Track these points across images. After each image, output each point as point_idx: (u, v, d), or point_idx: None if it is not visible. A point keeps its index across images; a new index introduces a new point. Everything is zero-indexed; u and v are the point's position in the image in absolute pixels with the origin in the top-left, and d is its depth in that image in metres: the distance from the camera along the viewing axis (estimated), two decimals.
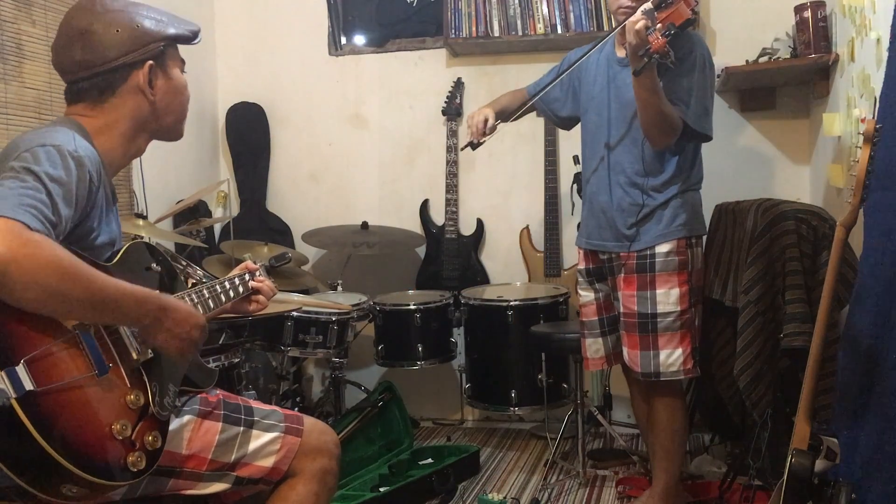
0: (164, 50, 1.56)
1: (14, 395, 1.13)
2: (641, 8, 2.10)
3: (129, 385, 1.33)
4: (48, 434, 1.15)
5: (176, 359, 1.44)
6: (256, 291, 1.80)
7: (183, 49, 1.63)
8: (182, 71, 1.63)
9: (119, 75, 1.50)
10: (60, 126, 1.45)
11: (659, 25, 2.04)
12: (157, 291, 1.41)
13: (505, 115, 2.63)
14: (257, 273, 1.82)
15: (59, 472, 1.16)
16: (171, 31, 1.57)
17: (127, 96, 1.52)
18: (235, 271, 1.79)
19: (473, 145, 2.62)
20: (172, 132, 1.65)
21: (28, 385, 1.15)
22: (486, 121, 2.59)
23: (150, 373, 1.39)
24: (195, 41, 1.63)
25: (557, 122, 2.81)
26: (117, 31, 1.49)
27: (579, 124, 2.68)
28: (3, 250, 1.12)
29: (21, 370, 1.15)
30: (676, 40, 2.10)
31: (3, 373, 1.13)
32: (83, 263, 1.23)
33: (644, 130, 2.34)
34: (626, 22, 2.14)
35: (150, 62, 1.53)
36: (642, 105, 2.26)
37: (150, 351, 1.40)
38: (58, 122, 1.51)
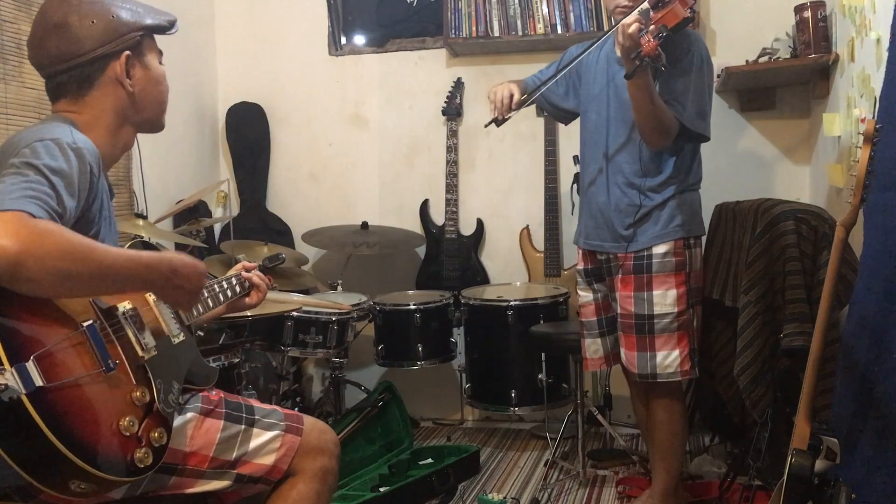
0: (140, 40, 1.56)
1: (24, 391, 1.13)
2: (637, 8, 2.09)
3: (134, 382, 1.34)
4: (57, 430, 1.15)
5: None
6: (252, 287, 1.83)
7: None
8: (160, 62, 1.63)
9: (96, 67, 1.50)
10: (55, 122, 1.46)
11: (652, 27, 2.02)
12: (162, 252, 1.41)
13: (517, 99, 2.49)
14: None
15: (68, 468, 1.16)
16: (148, 21, 1.57)
17: (106, 88, 1.52)
18: (231, 272, 1.81)
19: (498, 122, 2.45)
20: (154, 123, 1.64)
21: (38, 381, 1.15)
22: (511, 95, 2.44)
23: (154, 370, 1.40)
24: (171, 31, 1.63)
25: (554, 112, 2.77)
26: (93, 22, 1.49)
27: (578, 121, 2.67)
28: (13, 244, 1.11)
29: (31, 366, 1.15)
30: (670, 42, 2.09)
31: (12, 368, 1.13)
32: (90, 241, 1.22)
33: (639, 131, 2.33)
34: (620, 23, 2.12)
35: (127, 52, 1.53)
36: (636, 106, 2.25)
37: (154, 348, 1.41)
38: (50, 119, 1.51)
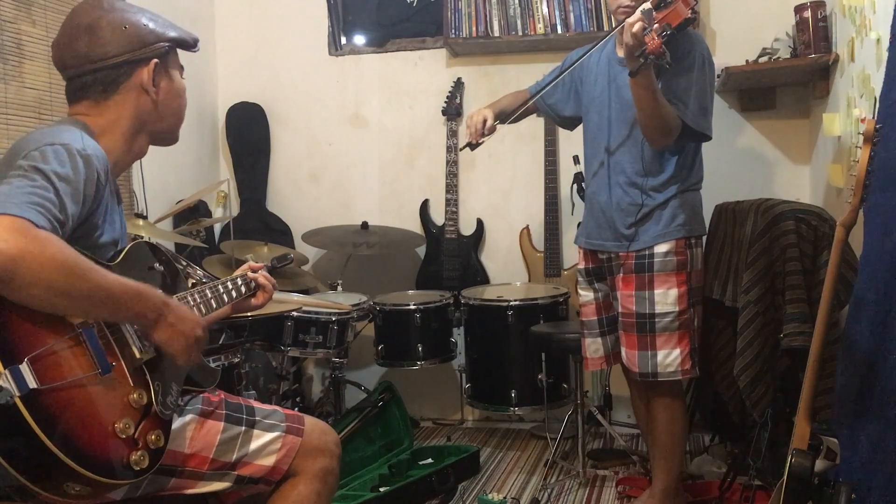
0: (168, 51, 1.58)
1: (18, 394, 1.13)
2: (640, 8, 2.10)
3: (132, 384, 1.33)
4: (52, 432, 1.15)
5: (182, 359, 1.42)
6: (258, 288, 1.81)
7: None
8: (181, 76, 1.65)
9: (124, 71, 1.52)
10: (66, 125, 1.46)
11: (656, 26, 2.03)
12: (158, 289, 1.41)
13: (504, 115, 2.62)
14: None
15: (63, 471, 1.16)
16: (173, 34, 1.60)
17: (129, 94, 1.53)
18: (238, 272, 1.80)
19: (472, 146, 2.62)
20: (170, 135, 1.66)
21: (32, 383, 1.15)
22: (484, 121, 2.58)
23: (152, 372, 1.39)
24: (195, 49, 1.66)
25: (559, 121, 2.80)
26: (125, 27, 1.51)
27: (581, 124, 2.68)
28: (11, 247, 1.12)
29: (25, 368, 1.15)
30: (674, 41, 2.10)
31: (6, 371, 1.13)
32: (88, 261, 1.24)
33: (642, 130, 2.33)
34: (624, 23, 2.14)
35: (156, 60, 1.55)
36: (639, 105, 2.26)
37: (152, 349, 1.40)
38: (63, 121, 1.52)
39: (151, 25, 1.55)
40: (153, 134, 1.61)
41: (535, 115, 2.86)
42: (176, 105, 1.62)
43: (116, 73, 1.51)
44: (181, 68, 1.65)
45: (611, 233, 2.48)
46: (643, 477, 2.85)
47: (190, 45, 1.64)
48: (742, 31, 3.46)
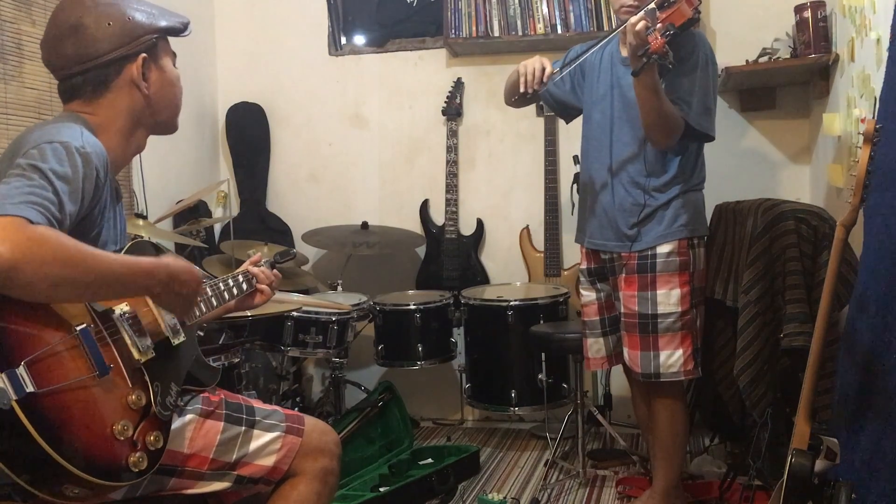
0: (156, 42, 1.55)
1: (14, 397, 1.13)
2: (644, 8, 2.10)
3: (130, 385, 1.33)
4: (49, 435, 1.14)
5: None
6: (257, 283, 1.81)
7: (184, 48, 1.63)
8: (174, 64, 1.63)
9: (113, 69, 1.50)
10: (66, 121, 1.45)
11: (659, 25, 2.03)
12: (160, 258, 1.41)
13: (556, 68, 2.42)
14: (260, 263, 1.84)
15: (61, 473, 1.16)
16: (163, 23, 1.57)
17: (121, 91, 1.52)
18: (240, 269, 1.80)
19: (528, 96, 2.38)
20: (168, 125, 1.64)
21: (28, 387, 1.14)
22: (543, 69, 2.34)
23: (151, 372, 1.39)
24: (185, 33, 1.62)
25: (558, 108, 2.76)
26: (109, 24, 1.48)
27: (579, 121, 2.67)
28: (8, 249, 1.11)
29: (21, 372, 1.15)
30: (677, 40, 2.10)
31: (3, 375, 1.13)
32: (86, 247, 1.22)
33: (645, 130, 2.33)
34: (627, 22, 2.14)
35: (144, 55, 1.52)
36: (642, 105, 2.26)
37: (151, 350, 1.40)
38: (62, 117, 1.50)
39: (137, 17, 1.52)
40: (151, 126, 1.60)
41: (535, 113, 2.83)
42: (170, 95, 1.60)
43: (105, 71, 1.49)
44: (173, 55, 1.62)
45: (613, 233, 2.47)
46: (643, 477, 2.85)
47: (179, 30, 1.60)
48: (742, 31, 3.46)
